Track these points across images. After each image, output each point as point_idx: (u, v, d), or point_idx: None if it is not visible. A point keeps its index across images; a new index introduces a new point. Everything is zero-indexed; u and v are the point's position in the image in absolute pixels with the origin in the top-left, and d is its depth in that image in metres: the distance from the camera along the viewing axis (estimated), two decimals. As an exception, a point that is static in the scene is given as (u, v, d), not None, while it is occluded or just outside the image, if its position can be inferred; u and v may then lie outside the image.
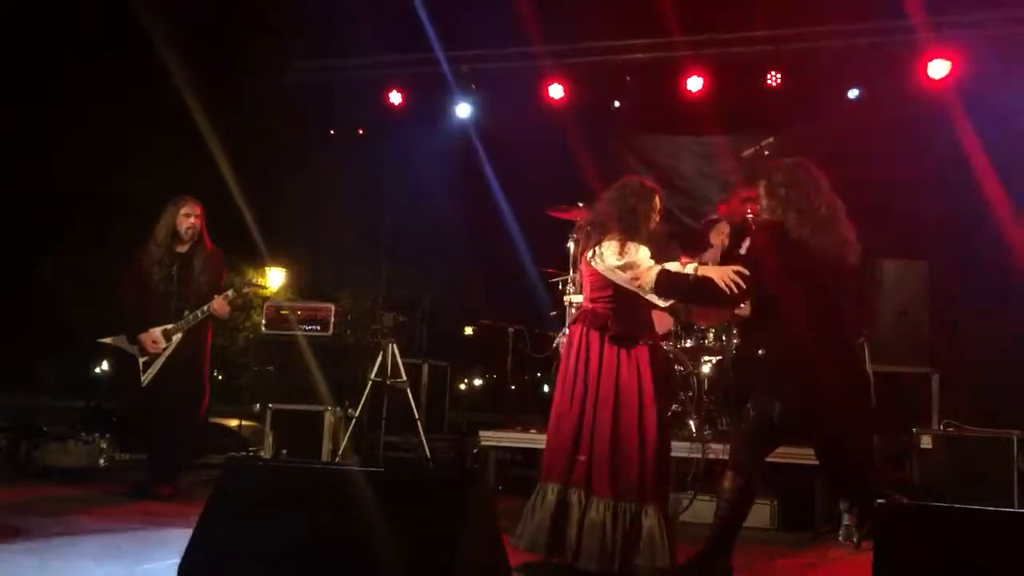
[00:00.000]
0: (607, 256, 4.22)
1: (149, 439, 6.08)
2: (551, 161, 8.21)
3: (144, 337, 5.98)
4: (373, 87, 9.24)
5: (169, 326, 6.02)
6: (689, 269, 4.13)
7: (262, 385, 7.51)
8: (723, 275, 3.96)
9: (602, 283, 4.29)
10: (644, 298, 4.29)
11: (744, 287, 3.92)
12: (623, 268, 4.18)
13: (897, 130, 7.90)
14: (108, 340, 6.11)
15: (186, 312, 6.05)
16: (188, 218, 6.15)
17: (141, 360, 5.99)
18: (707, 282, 4.02)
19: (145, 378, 5.97)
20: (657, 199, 4.36)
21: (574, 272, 4.50)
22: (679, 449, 5.74)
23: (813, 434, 4.13)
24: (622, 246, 4.18)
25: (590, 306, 4.34)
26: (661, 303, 4.31)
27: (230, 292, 6.16)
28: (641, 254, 4.17)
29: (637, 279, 4.15)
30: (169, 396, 5.96)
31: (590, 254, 4.31)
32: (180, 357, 6.03)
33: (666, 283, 4.11)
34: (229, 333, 12.75)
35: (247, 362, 9.61)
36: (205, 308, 6.04)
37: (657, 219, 4.38)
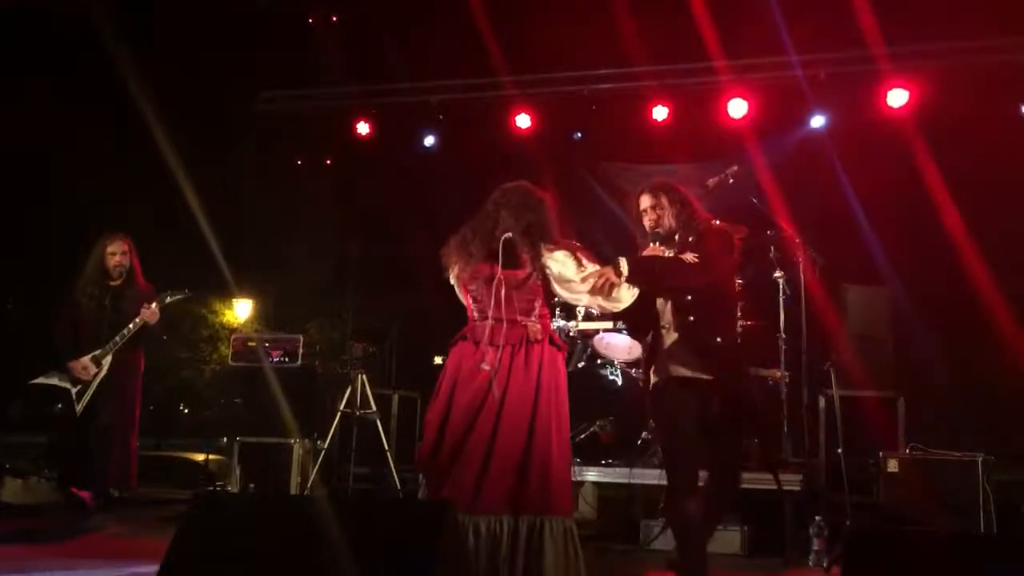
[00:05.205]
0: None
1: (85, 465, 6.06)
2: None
3: (74, 365, 6.04)
4: (340, 117, 9.23)
5: (97, 352, 6.06)
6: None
7: (229, 418, 7.44)
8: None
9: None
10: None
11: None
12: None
13: (859, 158, 8.01)
14: (39, 381, 6.12)
15: (116, 338, 6.07)
16: (114, 256, 6.25)
17: (74, 391, 6.03)
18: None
19: (79, 407, 6.01)
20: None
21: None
22: (649, 476, 5.76)
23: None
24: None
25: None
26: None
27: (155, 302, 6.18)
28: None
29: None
30: (101, 420, 6.01)
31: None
32: (112, 383, 6.09)
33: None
34: (195, 365, 12.57)
35: (214, 395, 9.51)
36: (137, 321, 6.08)
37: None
